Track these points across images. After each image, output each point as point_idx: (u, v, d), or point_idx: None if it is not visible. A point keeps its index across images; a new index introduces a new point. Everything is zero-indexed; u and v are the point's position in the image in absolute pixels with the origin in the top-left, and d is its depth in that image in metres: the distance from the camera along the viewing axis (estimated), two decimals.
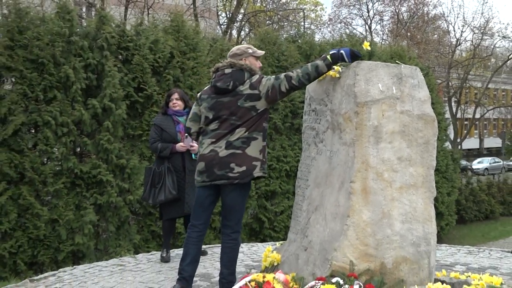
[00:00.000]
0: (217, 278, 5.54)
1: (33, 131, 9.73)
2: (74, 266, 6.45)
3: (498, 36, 37.31)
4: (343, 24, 35.73)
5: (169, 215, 6.47)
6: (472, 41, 36.48)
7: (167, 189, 6.17)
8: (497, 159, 42.54)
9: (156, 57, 10.85)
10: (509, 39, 38.07)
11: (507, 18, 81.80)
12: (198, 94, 4.82)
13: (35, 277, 5.83)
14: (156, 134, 6.32)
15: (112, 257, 8.29)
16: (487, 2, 70.39)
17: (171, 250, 6.68)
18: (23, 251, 9.15)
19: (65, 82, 9.71)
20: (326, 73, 4.63)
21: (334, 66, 4.65)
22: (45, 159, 9.70)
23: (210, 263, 6.27)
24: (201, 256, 6.44)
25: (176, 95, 6.48)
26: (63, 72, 9.62)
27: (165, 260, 6.48)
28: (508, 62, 40.25)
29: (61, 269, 6.22)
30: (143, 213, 10.61)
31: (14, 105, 9.29)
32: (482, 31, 35.26)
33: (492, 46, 37.56)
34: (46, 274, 5.91)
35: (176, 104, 6.45)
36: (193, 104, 4.88)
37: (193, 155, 6.36)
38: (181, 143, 6.26)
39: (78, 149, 10.15)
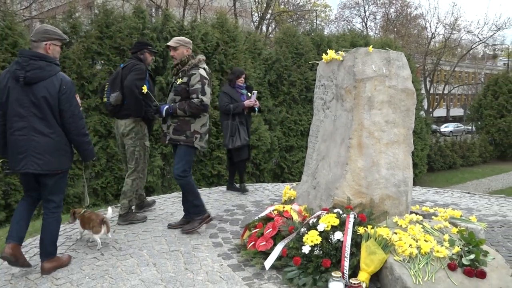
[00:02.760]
0: (250, 208, 5.60)
1: None
2: (146, 197, 6.54)
3: (464, 31, 36.47)
4: (346, 22, 34.93)
5: (239, 157, 6.46)
6: (443, 35, 35.52)
7: (242, 136, 6.21)
8: (459, 124, 41.60)
9: (206, 45, 10.77)
10: (472, 33, 37.31)
11: (471, 17, 78.89)
12: (208, 78, 4.58)
13: (119, 204, 5.94)
14: (227, 100, 6.26)
15: (173, 191, 8.42)
16: (456, 5, 68.33)
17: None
18: (111, 186, 9.36)
19: None
20: (333, 57, 4.53)
21: (339, 51, 4.53)
22: None
23: (244, 197, 6.30)
24: (241, 192, 6.55)
25: (244, 75, 6.46)
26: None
27: (238, 189, 6.58)
28: (471, 51, 38.99)
29: None
30: (196, 160, 10.70)
31: (103, 81, 9.35)
32: (451, 27, 34.18)
33: (459, 39, 36.37)
34: None
35: (243, 80, 6.45)
36: (207, 85, 4.51)
37: (256, 109, 6.43)
38: (248, 100, 6.26)
39: None
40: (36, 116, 3.48)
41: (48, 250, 3.70)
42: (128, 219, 4.96)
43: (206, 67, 4.64)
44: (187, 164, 4.58)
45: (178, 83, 4.53)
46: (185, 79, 4.50)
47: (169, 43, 4.68)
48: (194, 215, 4.67)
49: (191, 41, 4.75)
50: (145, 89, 4.62)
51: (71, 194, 8.74)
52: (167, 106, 4.54)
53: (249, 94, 6.38)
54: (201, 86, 4.45)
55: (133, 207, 5.23)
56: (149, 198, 5.85)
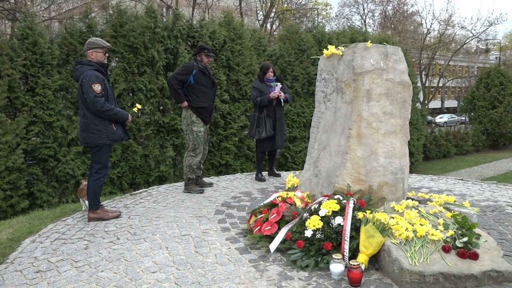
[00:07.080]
0: (256, 195, 5.59)
1: (131, 94, 9.81)
2: (159, 186, 6.55)
3: (458, 26, 36.01)
4: (346, 19, 34.60)
5: (263, 149, 6.49)
6: (438, 30, 35.18)
7: (267, 129, 6.21)
8: (453, 115, 41.32)
9: (214, 43, 10.72)
10: (466, 29, 36.78)
11: (465, 13, 78.00)
12: None
13: (134, 192, 5.96)
14: (256, 94, 6.27)
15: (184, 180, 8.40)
16: (450, 1, 67.71)
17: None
18: (126, 175, 9.38)
19: (151, 60, 9.70)
20: (334, 52, 4.49)
21: (339, 47, 4.49)
22: (139, 114, 9.81)
23: (250, 184, 6.29)
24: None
25: (271, 69, 6.40)
26: (150, 54, 9.61)
27: (261, 179, 6.49)
28: (464, 46, 38.49)
29: (150, 188, 6.33)
30: None
31: (118, 77, 9.35)
32: (446, 23, 33.75)
33: (453, 34, 35.89)
34: (140, 191, 6.03)
35: (271, 74, 6.39)
36: None
37: (282, 100, 6.32)
38: (272, 92, 6.21)
39: (161, 107, 10.23)
40: (80, 104, 4.42)
41: (90, 203, 4.55)
42: (187, 189, 5.75)
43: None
44: None
45: None
46: None
47: None
48: None
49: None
50: None
51: None
52: None
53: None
54: None
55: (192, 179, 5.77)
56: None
